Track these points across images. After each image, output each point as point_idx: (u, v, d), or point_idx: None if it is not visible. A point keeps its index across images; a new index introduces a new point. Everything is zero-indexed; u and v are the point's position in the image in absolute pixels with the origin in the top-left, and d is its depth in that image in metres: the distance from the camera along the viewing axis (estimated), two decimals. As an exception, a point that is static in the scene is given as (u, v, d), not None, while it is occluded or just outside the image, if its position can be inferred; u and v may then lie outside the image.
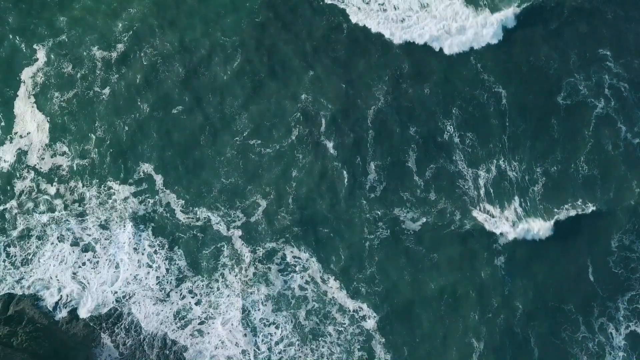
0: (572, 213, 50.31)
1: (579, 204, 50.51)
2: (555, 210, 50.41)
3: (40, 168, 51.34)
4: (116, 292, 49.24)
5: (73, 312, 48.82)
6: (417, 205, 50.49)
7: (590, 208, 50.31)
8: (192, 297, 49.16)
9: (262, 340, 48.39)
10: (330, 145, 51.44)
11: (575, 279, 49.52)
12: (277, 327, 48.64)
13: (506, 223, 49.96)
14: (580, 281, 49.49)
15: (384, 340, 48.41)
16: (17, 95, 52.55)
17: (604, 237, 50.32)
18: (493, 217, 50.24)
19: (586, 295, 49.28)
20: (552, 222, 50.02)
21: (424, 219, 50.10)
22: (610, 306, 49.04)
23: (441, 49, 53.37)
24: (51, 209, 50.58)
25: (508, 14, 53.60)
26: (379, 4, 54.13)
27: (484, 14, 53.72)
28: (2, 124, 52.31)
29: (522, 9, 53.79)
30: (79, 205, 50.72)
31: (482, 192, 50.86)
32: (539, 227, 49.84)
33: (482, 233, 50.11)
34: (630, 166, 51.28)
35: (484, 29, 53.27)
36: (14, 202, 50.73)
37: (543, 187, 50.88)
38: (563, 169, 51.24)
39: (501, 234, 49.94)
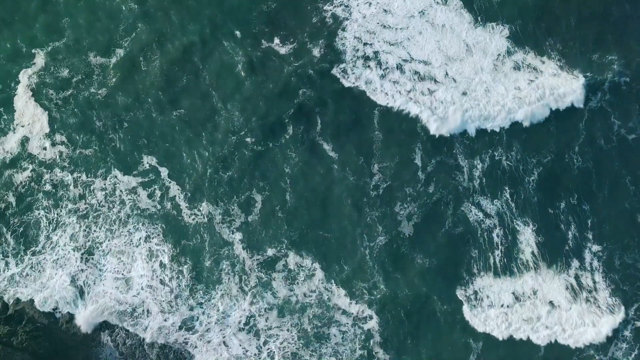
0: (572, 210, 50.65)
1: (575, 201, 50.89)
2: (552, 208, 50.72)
3: (42, 161, 51.36)
4: (119, 295, 49.16)
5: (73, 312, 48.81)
6: (416, 199, 50.58)
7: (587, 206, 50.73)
8: (197, 303, 49.06)
9: (265, 342, 48.25)
10: (328, 143, 51.60)
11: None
12: (280, 329, 48.48)
13: (499, 222, 50.31)
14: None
15: (383, 341, 48.40)
16: (16, 94, 52.70)
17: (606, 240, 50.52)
18: (487, 213, 50.43)
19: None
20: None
21: (420, 218, 50.19)
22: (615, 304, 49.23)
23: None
24: (55, 204, 50.69)
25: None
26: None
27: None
28: (5, 117, 52.50)
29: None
30: (85, 202, 50.78)
31: (476, 184, 50.95)
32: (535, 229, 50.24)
33: (477, 232, 50.20)
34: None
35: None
36: (14, 198, 50.84)
37: (537, 180, 51.04)
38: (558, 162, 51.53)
39: (497, 234, 50.06)
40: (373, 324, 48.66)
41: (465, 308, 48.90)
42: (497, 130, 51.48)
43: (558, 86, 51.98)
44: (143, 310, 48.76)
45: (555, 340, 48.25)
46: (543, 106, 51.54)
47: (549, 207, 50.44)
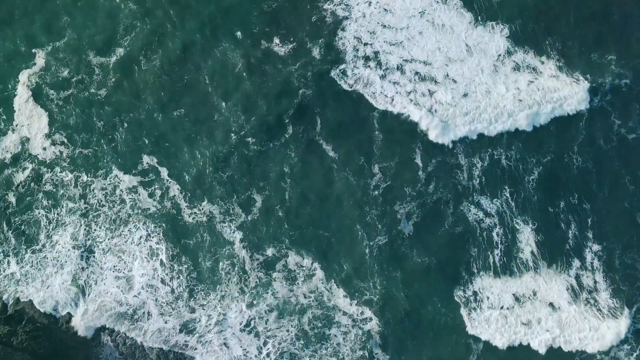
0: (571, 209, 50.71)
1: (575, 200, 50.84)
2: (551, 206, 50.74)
3: (42, 160, 51.29)
4: (120, 295, 49.09)
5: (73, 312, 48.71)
6: (416, 198, 50.55)
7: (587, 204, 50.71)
8: (197, 304, 49.01)
9: (265, 343, 48.22)
10: (327, 142, 51.60)
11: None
12: (280, 330, 48.45)
13: (499, 220, 50.29)
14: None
15: (383, 341, 48.43)
16: (16, 94, 52.62)
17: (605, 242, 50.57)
18: (487, 212, 50.39)
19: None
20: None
21: (421, 218, 50.15)
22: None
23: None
24: (55, 203, 50.61)
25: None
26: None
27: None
28: (4, 117, 52.45)
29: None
30: (85, 202, 50.74)
31: (476, 183, 50.96)
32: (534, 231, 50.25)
33: (478, 231, 50.21)
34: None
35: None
36: (14, 198, 50.73)
37: (537, 179, 51.04)
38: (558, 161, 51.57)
39: (497, 234, 50.06)
40: (373, 324, 48.61)
41: (465, 312, 48.91)
42: (498, 133, 51.54)
43: (559, 88, 52.02)
44: (144, 313, 48.65)
45: (556, 344, 48.25)
46: (544, 109, 51.51)
47: (549, 207, 50.49)
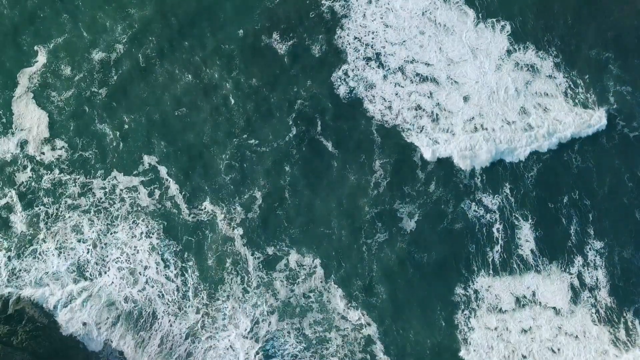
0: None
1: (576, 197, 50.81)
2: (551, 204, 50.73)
3: (40, 161, 51.32)
4: (120, 297, 49.04)
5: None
6: (416, 197, 50.54)
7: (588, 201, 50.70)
8: (200, 303, 48.96)
9: (265, 344, 48.20)
10: (328, 141, 51.65)
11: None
12: (281, 332, 48.42)
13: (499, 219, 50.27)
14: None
15: (383, 342, 48.37)
16: (16, 94, 52.71)
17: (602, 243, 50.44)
18: (488, 210, 50.35)
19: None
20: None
21: (421, 216, 50.09)
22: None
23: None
24: (55, 201, 50.64)
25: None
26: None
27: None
28: (3, 120, 52.47)
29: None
30: (85, 199, 50.73)
31: (477, 181, 50.95)
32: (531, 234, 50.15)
33: (479, 230, 50.16)
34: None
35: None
36: (15, 196, 50.77)
37: (537, 177, 51.06)
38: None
39: (498, 231, 50.02)
40: (372, 324, 48.53)
41: (464, 315, 48.86)
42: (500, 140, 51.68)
43: (555, 95, 52.26)
44: (149, 314, 48.57)
45: (559, 350, 48.18)
46: (551, 128, 51.53)
47: (549, 204, 50.47)
